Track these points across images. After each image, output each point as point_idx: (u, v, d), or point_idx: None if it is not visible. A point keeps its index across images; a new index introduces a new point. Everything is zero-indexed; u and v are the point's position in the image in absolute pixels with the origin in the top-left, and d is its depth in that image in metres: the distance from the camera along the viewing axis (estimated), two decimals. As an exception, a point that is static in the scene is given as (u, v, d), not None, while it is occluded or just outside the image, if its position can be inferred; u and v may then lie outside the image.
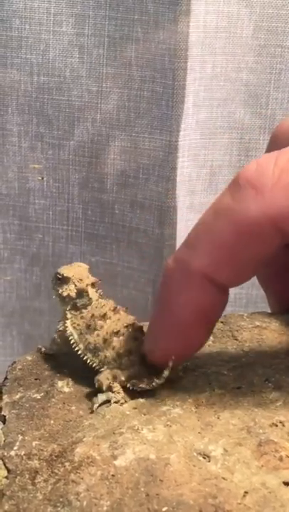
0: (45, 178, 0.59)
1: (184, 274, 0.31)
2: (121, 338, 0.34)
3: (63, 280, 0.36)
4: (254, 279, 0.43)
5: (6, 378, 0.36)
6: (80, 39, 0.55)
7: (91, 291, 0.35)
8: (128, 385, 0.34)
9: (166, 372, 0.33)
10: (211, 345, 0.38)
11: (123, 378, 0.34)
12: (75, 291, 0.35)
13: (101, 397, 0.33)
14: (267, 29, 0.55)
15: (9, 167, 0.59)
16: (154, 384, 0.33)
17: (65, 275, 0.36)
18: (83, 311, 0.35)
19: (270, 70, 0.56)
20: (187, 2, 0.52)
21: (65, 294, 0.36)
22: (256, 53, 0.55)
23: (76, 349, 0.35)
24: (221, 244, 0.31)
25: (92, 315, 0.35)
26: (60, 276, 0.36)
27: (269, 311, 0.42)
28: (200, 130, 0.57)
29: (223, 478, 0.29)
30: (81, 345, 0.35)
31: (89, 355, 0.35)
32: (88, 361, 0.35)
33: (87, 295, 0.35)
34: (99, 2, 0.54)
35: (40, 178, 0.59)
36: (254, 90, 0.56)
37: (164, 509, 0.27)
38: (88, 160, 0.58)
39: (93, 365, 0.35)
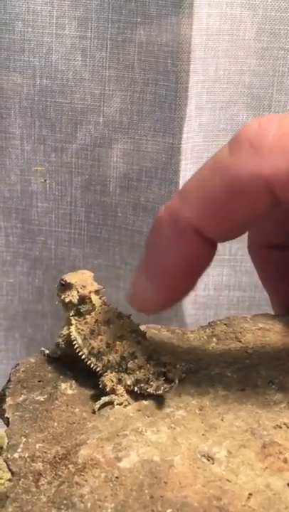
0: (47, 181, 0.59)
1: (173, 224, 0.31)
2: (124, 342, 0.34)
3: (66, 286, 0.36)
4: (257, 282, 0.43)
5: (9, 380, 0.36)
6: (82, 42, 0.55)
7: (94, 298, 0.36)
8: (135, 389, 0.34)
9: (176, 382, 0.33)
10: (214, 347, 0.37)
11: (129, 382, 0.34)
12: (77, 297, 0.35)
13: (103, 399, 0.33)
14: (270, 32, 0.55)
15: (12, 170, 0.59)
16: (162, 391, 0.33)
17: (68, 281, 0.36)
18: (87, 316, 0.35)
19: (273, 73, 0.56)
20: (190, 5, 0.52)
21: (67, 299, 0.36)
22: (259, 56, 0.55)
23: (80, 354, 0.35)
24: (211, 198, 0.30)
25: (96, 320, 0.35)
26: (63, 283, 0.36)
27: (272, 313, 0.41)
28: (203, 133, 0.57)
29: (228, 480, 0.28)
30: (85, 350, 0.35)
31: (92, 359, 0.35)
32: (92, 365, 0.35)
33: (90, 301, 0.35)
34: (101, 5, 0.54)
35: (42, 181, 0.59)
36: (257, 93, 0.56)
37: (169, 511, 0.27)
38: (91, 163, 0.59)
39: (97, 370, 0.35)
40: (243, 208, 0.31)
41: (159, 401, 0.33)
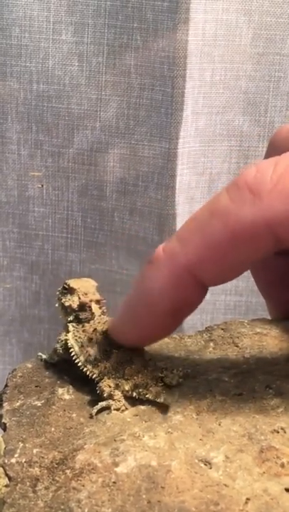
0: (44, 186, 0.60)
1: (171, 267, 0.31)
2: (121, 349, 0.34)
3: (69, 291, 0.36)
4: (254, 286, 0.43)
5: (6, 386, 0.36)
6: (79, 47, 0.55)
7: (94, 307, 0.36)
8: (134, 394, 0.34)
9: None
10: (211, 352, 0.37)
11: (127, 388, 0.34)
12: (78, 303, 0.35)
13: (101, 404, 0.33)
14: (265, 37, 0.55)
15: (9, 175, 0.59)
16: (162, 399, 0.33)
17: (71, 286, 0.36)
18: (85, 324, 0.35)
19: (269, 78, 0.56)
20: (186, 10, 0.53)
21: (67, 304, 0.36)
22: (255, 61, 0.56)
23: (76, 361, 0.35)
24: (212, 244, 0.31)
25: (95, 329, 0.35)
26: (66, 286, 0.36)
27: (269, 318, 0.42)
28: (199, 138, 0.57)
29: (225, 485, 0.28)
30: (82, 358, 0.35)
31: (89, 366, 0.35)
32: (88, 373, 0.35)
33: (90, 310, 0.35)
34: (98, 10, 0.54)
35: (39, 186, 0.60)
36: (253, 98, 0.57)
37: (166, 516, 0.27)
38: (87, 167, 0.59)
39: (93, 377, 0.35)
40: (244, 254, 0.31)
41: (164, 409, 0.33)
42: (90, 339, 0.35)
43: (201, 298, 0.33)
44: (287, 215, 0.29)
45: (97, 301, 0.36)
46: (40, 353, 0.38)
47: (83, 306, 0.35)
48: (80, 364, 0.35)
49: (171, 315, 0.33)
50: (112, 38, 0.55)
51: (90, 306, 0.35)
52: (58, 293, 0.36)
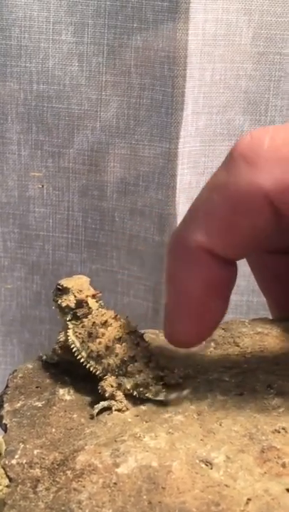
0: (45, 186, 0.60)
1: (184, 249, 0.31)
2: (124, 344, 0.34)
3: (63, 291, 0.36)
4: (255, 286, 0.43)
5: (7, 386, 0.36)
6: (79, 47, 0.55)
7: (91, 302, 0.36)
8: (134, 393, 0.34)
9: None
10: (212, 352, 0.37)
11: (128, 386, 0.34)
12: (74, 301, 0.35)
13: (102, 404, 0.33)
14: (266, 37, 0.55)
15: (9, 175, 0.59)
16: (162, 397, 0.33)
17: (64, 286, 0.36)
18: (84, 320, 0.35)
19: (269, 78, 0.56)
20: (186, 10, 0.53)
21: (64, 304, 0.36)
22: (255, 61, 0.56)
23: (79, 357, 0.35)
24: (215, 217, 0.31)
25: (94, 323, 0.35)
26: (60, 287, 0.36)
27: (270, 318, 0.42)
28: (199, 137, 0.57)
29: (226, 486, 0.28)
30: (83, 353, 0.35)
31: (92, 362, 0.35)
32: (91, 369, 0.35)
33: (87, 305, 0.35)
34: (98, 11, 0.54)
35: (40, 186, 0.59)
36: (253, 97, 0.57)
37: (167, 517, 0.27)
38: (88, 168, 0.59)
39: (97, 373, 0.34)
40: (246, 222, 0.31)
41: (160, 404, 0.33)
42: (90, 334, 0.35)
43: (231, 271, 0.32)
44: (284, 184, 0.29)
45: (93, 296, 0.36)
46: (41, 354, 0.38)
47: (80, 303, 0.35)
48: (82, 360, 0.35)
49: (211, 297, 0.32)
50: (112, 38, 0.55)
51: (86, 302, 0.35)
52: (52, 295, 0.36)
